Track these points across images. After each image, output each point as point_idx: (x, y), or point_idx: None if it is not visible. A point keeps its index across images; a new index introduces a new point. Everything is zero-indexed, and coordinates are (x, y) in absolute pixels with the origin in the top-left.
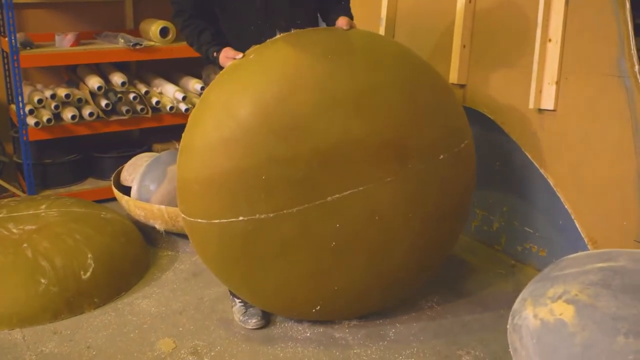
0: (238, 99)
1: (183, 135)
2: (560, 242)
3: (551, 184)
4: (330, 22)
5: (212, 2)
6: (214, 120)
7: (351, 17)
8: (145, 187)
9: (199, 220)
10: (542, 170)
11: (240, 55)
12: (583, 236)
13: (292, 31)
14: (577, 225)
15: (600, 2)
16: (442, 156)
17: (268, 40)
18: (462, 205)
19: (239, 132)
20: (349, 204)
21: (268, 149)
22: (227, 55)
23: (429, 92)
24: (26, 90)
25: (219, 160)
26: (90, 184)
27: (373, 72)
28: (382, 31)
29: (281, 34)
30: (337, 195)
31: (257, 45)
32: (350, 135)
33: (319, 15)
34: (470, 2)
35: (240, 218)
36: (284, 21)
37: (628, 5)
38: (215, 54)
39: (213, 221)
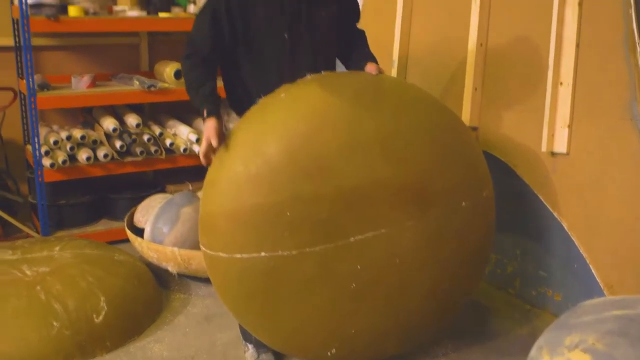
0: (266, 137)
1: (209, 170)
2: (575, 286)
3: (565, 227)
4: (353, 67)
5: (238, 43)
6: (241, 157)
7: (376, 62)
8: (159, 229)
9: (221, 254)
10: (555, 214)
11: (215, 142)
12: (598, 281)
13: (322, 73)
14: (592, 269)
15: (611, 46)
16: (464, 203)
17: (299, 80)
18: (481, 254)
19: (265, 169)
20: (371, 245)
21: (294, 186)
22: (210, 131)
23: (453, 139)
24: (42, 131)
25: (245, 195)
26: (103, 225)
27: (399, 116)
28: (394, 73)
29: (311, 75)
30: (360, 237)
31: (288, 85)
32: (375, 177)
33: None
34: (481, 45)
35: (263, 254)
36: (305, 65)
37: (639, 49)
38: (205, 113)
39: (235, 255)
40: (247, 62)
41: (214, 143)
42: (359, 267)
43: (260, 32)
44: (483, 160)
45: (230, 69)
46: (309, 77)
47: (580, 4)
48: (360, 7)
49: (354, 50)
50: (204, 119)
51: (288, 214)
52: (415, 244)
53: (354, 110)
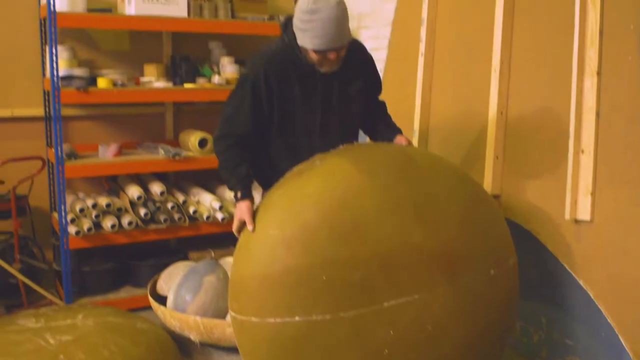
0: (302, 201)
1: (242, 233)
2: (603, 355)
3: (591, 295)
4: (380, 138)
5: (272, 118)
6: (277, 220)
7: (402, 134)
8: (182, 297)
9: (252, 318)
10: (580, 282)
11: (251, 227)
12: (627, 350)
13: (354, 143)
14: (621, 338)
15: (631, 115)
16: (492, 272)
17: (333, 150)
18: (508, 322)
19: (301, 232)
20: (404, 311)
21: (329, 249)
22: (245, 214)
23: (480, 208)
24: (68, 199)
25: (280, 257)
26: (126, 292)
27: (431, 184)
28: (415, 142)
29: (344, 145)
30: (393, 302)
31: (321, 154)
32: (409, 242)
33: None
34: (501, 113)
35: (297, 318)
36: (334, 139)
37: None
38: (239, 194)
39: (267, 320)
40: (278, 136)
41: (250, 227)
42: (391, 332)
43: (295, 108)
44: (507, 229)
45: (258, 142)
46: (341, 147)
47: (599, 74)
48: (381, 76)
49: (378, 121)
50: (236, 199)
51: (324, 277)
52: (446, 311)
53: (387, 178)
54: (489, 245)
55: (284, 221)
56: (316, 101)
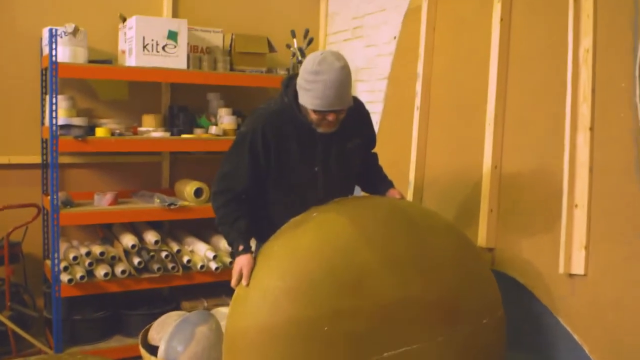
0: (303, 252)
1: (239, 285)
2: None
3: (586, 350)
4: (372, 190)
5: (269, 174)
6: (278, 271)
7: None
8: (173, 347)
9: None
10: (575, 336)
11: (246, 282)
12: None
13: (350, 196)
14: None
15: (624, 170)
16: (485, 321)
17: (331, 202)
18: None
19: (304, 283)
20: None
21: (333, 301)
22: (245, 268)
23: (471, 261)
24: (62, 246)
25: (283, 309)
26: (117, 342)
27: (425, 236)
28: (409, 195)
29: (340, 198)
30: (393, 352)
31: (318, 206)
32: (409, 293)
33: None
34: (495, 167)
35: None
36: (331, 193)
37: None
38: (240, 247)
39: None
40: (275, 191)
41: (245, 282)
42: None
43: (293, 164)
44: (494, 281)
45: (255, 195)
46: (337, 200)
47: (591, 129)
48: (376, 129)
49: (370, 173)
50: (237, 253)
51: (326, 328)
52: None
53: (386, 230)
54: (482, 295)
55: (285, 272)
56: (315, 160)
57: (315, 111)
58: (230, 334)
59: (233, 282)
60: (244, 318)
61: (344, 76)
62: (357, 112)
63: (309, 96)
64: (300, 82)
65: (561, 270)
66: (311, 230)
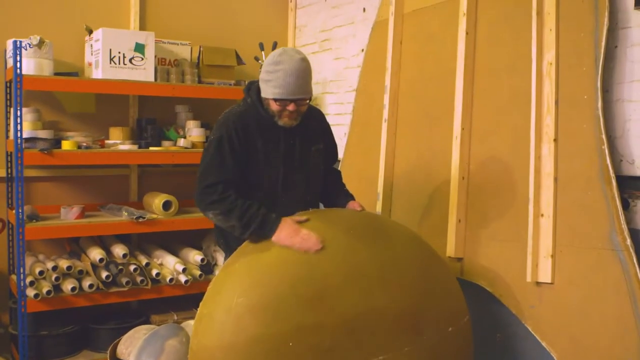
0: (266, 268)
1: (202, 303)
2: None
3: (554, 357)
4: (331, 203)
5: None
6: (240, 288)
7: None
8: None
9: None
10: (544, 344)
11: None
12: None
13: (311, 210)
14: None
15: (588, 180)
16: (450, 329)
17: (289, 217)
18: None
19: (268, 299)
20: None
21: (296, 316)
22: (292, 222)
23: (435, 268)
24: (28, 261)
25: (247, 326)
26: (85, 357)
27: (389, 247)
28: (378, 205)
29: (303, 212)
30: None
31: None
32: (373, 305)
33: None
34: (463, 178)
35: None
36: (297, 196)
37: (614, 182)
38: (274, 216)
39: None
40: (244, 193)
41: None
42: None
43: (259, 163)
44: (460, 289)
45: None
46: (299, 213)
47: (555, 140)
48: (345, 143)
49: (332, 187)
50: (275, 223)
51: (291, 344)
52: None
53: (349, 242)
54: (446, 303)
55: (248, 289)
56: (278, 156)
57: (276, 101)
58: (195, 353)
59: (311, 239)
60: (209, 337)
61: (303, 67)
62: (319, 120)
63: (270, 86)
64: (261, 75)
65: (529, 278)
66: (273, 246)
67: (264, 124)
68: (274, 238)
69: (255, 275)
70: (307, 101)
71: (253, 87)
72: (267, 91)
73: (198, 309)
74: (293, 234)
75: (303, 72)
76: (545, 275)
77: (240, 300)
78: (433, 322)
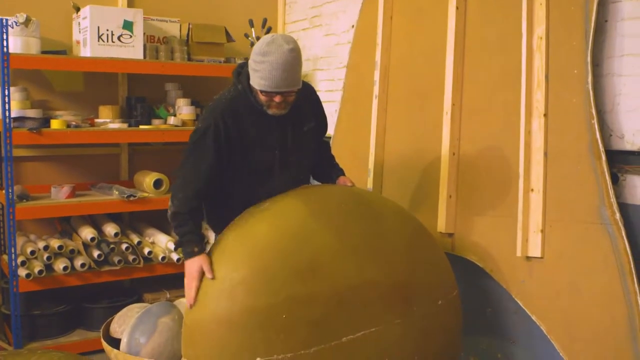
0: (259, 241)
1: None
2: None
3: (544, 330)
4: (322, 178)
5: (231, 166)
6: (233, 261)
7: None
8: (135, 339)
9: None
10: (534, 317)
11: (211, 275)
12: None
13: (302, 186)
14: None
15: (578, 155)
16: (440, 302)
17: (281, 194)
18: (455, 349)
19: (260, 272)
20: (362, 344)
21: (289, 288)
22: (202, 266)
23: (423, 243)
24: (19, 241)
25: (240, 299)
26: (78, 336)
27: (378, 222)
28: (369, 182)
29: (293, 189)
30: (351, 336)
31: (269, 198)
32: (364, 277)
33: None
34: (454, 154)
35: (258, 359)
36: (291, 177)
37: (604, 157)
38: (196, 249)
39: None
40: (238, 180)
41: (210, 275)
42: None
43: (253, 149)
44: (448, 263)
45: (214, 191)
46: (289, 191)
47: (546, 115)
48: (335, 120)
49: (322, 161)
50: (190, 255)
51: (284, 316)
52: (402, 341)
53: (339, 217)
54: (436, 277)
55: (239, 262)
56: (272, 140)
57: (262, 92)
58: (188, 327)
59: (193, 287)
60: (203, 310)
61: (292, 58)
62: (309, 97)
63: (257, 77)
64: (250, 63)
65: (519, 253)
66: (264, 219)
67: (256, 110)
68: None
69: (246, 248)
70: (295, 92)
71: (243, 73)
72: (254, 81)
73: None
74: (189, 276)
75: (290, 65)
76: (535, 250)
77: (232, 274)
78: (423, 295)
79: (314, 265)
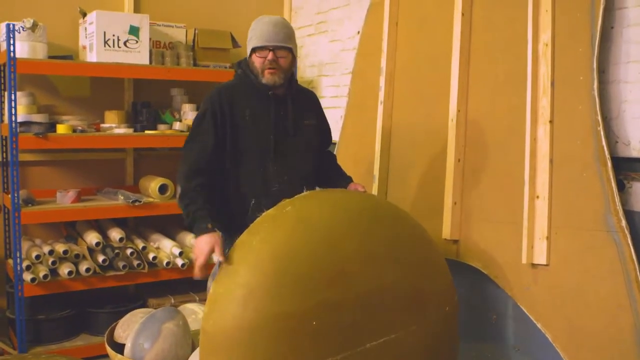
0: (284, 245)
1: (215, 283)
2: None
3: (549, 338)
4: (330, 185)
5: (227, 150)
6: (259, 267)
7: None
8: (139, 345)
9: None
10: (539, 324)
11: (222, 257)
12: None
13: (317, 189)
14: None
15: (583, 162)
16: (447, 308)
17: (298, 195)
18: (456, 354)
19: (292, 278)
20: (383, 351)
21: (319, 294)
22: (214, 245)
23: (429, 248)
24: (24, 245)
25: (271, 305)
26: (83, 340)
27: (394, 227)
28: (374, 188)
29: (309, 191)
30: (374, 342)
31: (288, 199)
32: (385, 283)
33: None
34: (459, 161)
35: None
36: (288, 167)
37: (610, 163)
38: (210, 226)
39: None
40: (235, 165)
41: (221, 257)
42: None
43: (247, 131)
44: (448, 269)
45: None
46: (306, 192)
47: (551, 122)
48: (341, 126)
49: (329, 170)
50: (203, 231)
51: (314, 322)
52: (417, 348)
53: (360, 221)
54: (441, 283)
55: (267, 268)
56: (268, 124)
57: (256, 51)
58: (212, 336)
59: (200, 261)
60: (225, 317)
61: (282, 20)
62: (312, 98)
63: (252, 42)
64: (247, 41)
65: (524, 260)
66: (288, 223)
67: (254, 93)
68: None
69: (274, 252)
70: (289, 56)
71: (243, 61)
72: (250, 46)
73: (211, 288)
74: (200, 251)
75: (281, 23)
76: (540, 257)
77: (260, 279)
78: (433, 301)
79: (342, 271)
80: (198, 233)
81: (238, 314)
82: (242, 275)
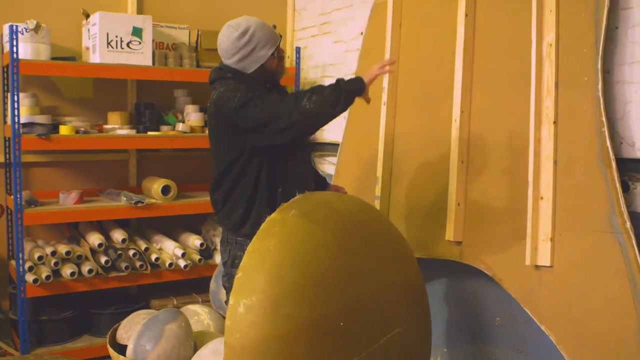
0: (302, 248)
1: (232, 295)
2: None
3: (553, 340)
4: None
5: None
6: (282, 274)
7: None
8: (142, 346)
9: None
10: (543, 327)
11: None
12: None
13: (307, 192)
14: None
15: (588, 163)
16: (425, 299)
17: (294, 199)
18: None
19: (319, 280)
20: (393, 345)
21: (344, 295)
22: (378, 67)
23: (407, 247)
24: (27, 246)
25: (302, 310)
26: (85, 341)
27: (387, 227)
28: (378, 190)
29: (301, 194)
30: (386, 338)
31: (286, 203)
32: (392, 281)
33: None
34: (462, 162)
35: None
36: (308, 153)
37: (614, 165)
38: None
39: None
40: (283, 161)
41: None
42: None
43: None
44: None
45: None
46: (299, 195)
47: (555, 123)
48: (344, 127)
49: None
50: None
51: (341, 323)
52: (415, 339)
53: (368, 223)
54: (420, 280)
55: (292, 273)
56: None
57: (276, 52)
58: (237, 348)
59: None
60: (252, 329)
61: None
62: None
63: (261, 52)
64: (239, 57)
65: (528, 262)
66: (301, 225)
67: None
68: (365, 79)
69: (294, 256)
70: None
71: (224, 72)
72: (261, 54)
73: (229, 301)
74: (374, 72)
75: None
76: (544, 259)
77: (285, 286)
78: (424, 295)
79: (360, 270)
80: (358, 85)
81: (267, 324)
82: (263, 283)
